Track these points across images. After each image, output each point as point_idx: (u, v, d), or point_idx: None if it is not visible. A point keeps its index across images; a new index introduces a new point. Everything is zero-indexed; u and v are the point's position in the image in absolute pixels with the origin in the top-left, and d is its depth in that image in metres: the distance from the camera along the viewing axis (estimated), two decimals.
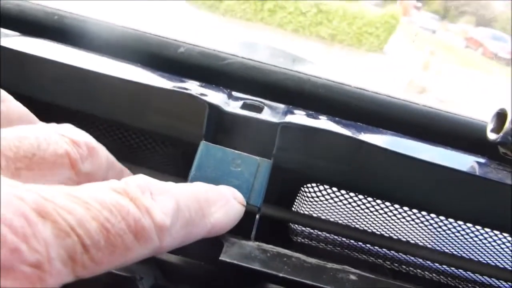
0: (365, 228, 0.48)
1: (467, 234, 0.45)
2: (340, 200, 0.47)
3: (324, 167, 0.41)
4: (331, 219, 0.49)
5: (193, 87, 0.35)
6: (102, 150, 0.24)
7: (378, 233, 0.47)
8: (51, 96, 0.39)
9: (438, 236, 0.47)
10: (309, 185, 0.46)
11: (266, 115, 0.34)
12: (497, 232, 0.43)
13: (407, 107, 0.40)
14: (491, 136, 0.37)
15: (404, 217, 0.46)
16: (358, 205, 0.47)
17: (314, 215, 0.50)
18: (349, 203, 0.47)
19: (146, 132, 0.42)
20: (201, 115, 0.34)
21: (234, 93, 0.37)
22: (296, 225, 0.50)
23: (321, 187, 0.46)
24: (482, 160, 0.37)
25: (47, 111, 0.41)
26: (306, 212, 0.50)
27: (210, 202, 0.24)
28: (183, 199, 0.22)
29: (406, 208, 0.44)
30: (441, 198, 0.40)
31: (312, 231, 0.51)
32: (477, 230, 0.44)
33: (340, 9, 6.37)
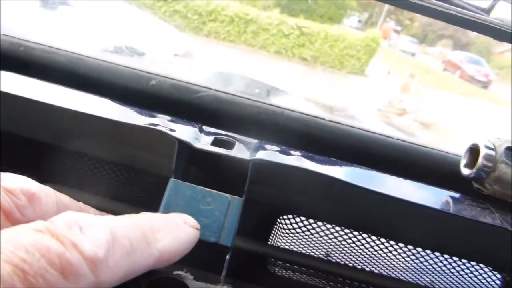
0: (345, 261, 0.47)
1: (444, 266, 0.45)
2: (317, 232, 0.46)
3: (298, 200, 0.41)
4: (309, 252, 0.48)
5: (163, 122, 0.35)
6: (47, 195, 0.23)
7: (359, 266, 0.47)
8: (25, 131, 0.38)
9: (415, 268, 0.47)
10: (285, 216, 0.46)
11: (237, 152, 0.33)
12: (473, 263, 0.43)
13: (382, 141, 0.40)
14: (465, 171, 0.37)
15: (381, 249, 0.45)
16: (335, 237, 0.46)
17: (292, 247, 0.49)
18: (326, 235, 0.46)
19: (118, 165, 0.41)
20: (171, 151, 0.33)
21: (206, 128, 0.36)
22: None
23: (297, 219, 0.46)
24: (456, 196, 0.37)
25: (18, 145, 0.39)
26: (283, 244, 0.49)
27: (154, 229, 0.23)
28: (121, 229, 0.21)
29: (383, 240, 0.44)
30: (417, 232, 0.39)
31: (289, 264, 0.50)
32: (454, 262, 0.44)
33: (322, 32, 6.49)
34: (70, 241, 0.18)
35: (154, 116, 0.35)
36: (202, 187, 0.32)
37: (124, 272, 0.21)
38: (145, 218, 0.24)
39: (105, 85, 0.39)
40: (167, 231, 0.24)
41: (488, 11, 0.34)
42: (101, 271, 0.19)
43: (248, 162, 0.32)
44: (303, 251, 0.48)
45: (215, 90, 0.40)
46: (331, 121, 0.40)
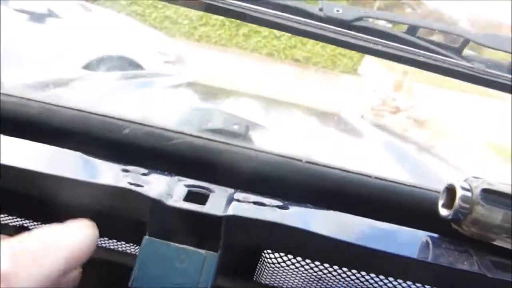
0: None
1: None
2: (302, 266, 0.46)
3: (279, 242, 0.40)
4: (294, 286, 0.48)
5: (136, 177, 0.34)
6: None
7: None
8: None
9: None
10: (269, 250, 0.45)
11: (210, 207, 0.33)
12: None
13: (359, 181, 0.40)
14: (443, 212, 0.37)
15: (362, 282, 0.45)
16: (321, 270, 0.46)
17: (276, 282, 0.48)
18: (311, 267, 0.46)
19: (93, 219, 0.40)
20: (144, 210, 0.32)
21: (180, 179, 0.36)
22: None
23: (281, 253, 0.45)
24: (434, 238, 0.37)
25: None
26: (268, 280, 0.48)
27: (53, 237, 0.26)
28: (18, 244, 0.24)
29: (363, 273, 0.44)
30: (397, 271, 0.39)
31: None
32: None
33: None
34: None
35: (126, 171, 0.35)
36: (177, 244, 0.32)
37: (40, 279, 0.23)
38: (40, 231, 0.26)
39: (78, 135, 0.39)
40: (66, 236, 0.27)
41: (459, 52, 0.34)
42: (16, 283, 0.21)
43: (221, 219, 0.32)
44: (290, 286, 0.48)
45: (190, 135, 0.40)
46: (308, 162, 0.40)
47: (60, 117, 0.39)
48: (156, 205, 0.32)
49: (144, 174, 0.35)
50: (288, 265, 0.46)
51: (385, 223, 0.37)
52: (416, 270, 0.34)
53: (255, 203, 0.34)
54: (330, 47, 6.43)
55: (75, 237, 0.27)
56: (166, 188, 0.34)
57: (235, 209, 0.33)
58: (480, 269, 0.33)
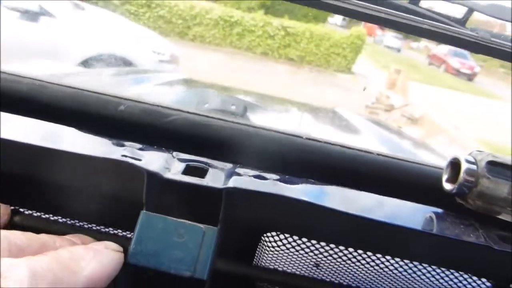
0: (330, 277, 0.46)
1: (433, 276, 0.44)
2: (302, 249, 0.45)
3: (280, 220, 0.39)
4: (296, 267, 0.47)
5: (132, 151, 0.33)
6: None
7: (349, 283, 0.46)
8: None
9: (406, 281, 0.46)
10: (269, 234, 0.44)
11: (210, 180, 0.32)
12: (461, 273, 0.42)
13: (361, 157, 0.39)
14: (447, 186, 0.36)
15: (368, 263, 0.44)
16: (321, 253, 0.45)
17: (278, 265, 0.47)
18: (312, 250, 0.45)
19: (91, 196, 0.39)
20: (140, 183, 0.31)
21: (177, 154, 0.35)
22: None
23: (281, 236, 0.44)
24: (439, 212, 0.36)
25: None
26: (269, 263, 0.47)
27: (76, 259, 0.25)
28: (40, 264, 0.22)
29: (369, 253, 0.43)
30: (401, 248, 0.38)
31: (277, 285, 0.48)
32: (443, 272, 0.43)
33: (307, 31, 6.51)
34: None
35: (122, 145, 0.34)
36: (175, 219, 0.31)
37: None
38: (64, 252, 0.25)
39: (71, 112, 0.37)
40: (89, 258, 0.25)
41: (463, 22, 0.33)
42: None
43: (221, 191, 0.31)
44: (290, 269, 0.47)
45: (187, 112, 0.39)
46: (309, 139, 0.39)
47: (51, 94, 0.38)
48: (153, 178, 0.31)
49: (140, 149, 0.34)
50: (288, 248, 0.45)
51: (389, 197, 0.36)
52: (421, 243, 0.33)
53: (255, 176, 0.33)
54: (324, 45, 6.45)
55: (99, 261, 0.26)
56: (164, 163, 0.33)
57: (235, 182, 0.31)
58: (486, 242, 0.32)
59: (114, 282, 0.28)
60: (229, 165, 0.35)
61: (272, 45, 6.38)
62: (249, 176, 0.33)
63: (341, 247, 0.43)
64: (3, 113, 0.35)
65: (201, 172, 0.33)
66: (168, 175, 0.32)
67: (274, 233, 0.44)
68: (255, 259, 0.46)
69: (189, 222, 0.31)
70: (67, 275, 0.23)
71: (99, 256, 0.26)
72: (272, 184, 0.33)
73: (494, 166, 0.35)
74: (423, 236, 0.33)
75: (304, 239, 0.44)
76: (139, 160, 0.32)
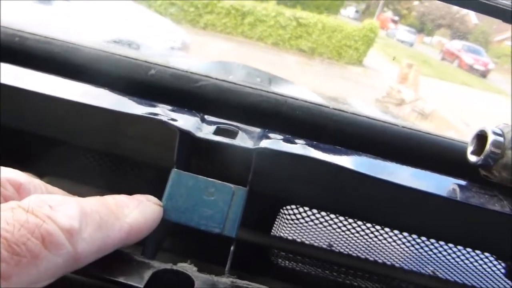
0: (348, 250, 0.47)
1: (449, 254, 0.44)
2: (321, 222, 0.46)
3: (302, 190, 0.40)
4: (312, 242, 0.47)
5: (164, 112, 0.34)
6: (35, 187, 0.24)
7: (362, 256, 0.46)
8: (22, 123, 0.37)
9: (419, 257, 0.46)
10: (288, 207, 0.45)
11: (241, 141, 0.32)
12: (478, 252, 0.43)
13: (387, 128, 0.39)
14: (472, 158, 0.36)
15: (385, 239, 0.45)
16: (339, 227, 0.45)
17: (295, 237, 0.48)
18: (330, 225, 0.46)
19: (118, 157, 0.40)
20: (172, 141, 0.32)
21: (207, 117, 0.35)
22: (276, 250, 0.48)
23: (300, 209, 0.45)
24: (463, 183, 0.36)
25: (19, 139, 0.39)
26: (286, 235, 0.48)
27: (120, 206, 0.25)
28: (89, 205, 0.23)
29: (387, 229, 0.43)
30: (422, 221, 0.39)
31: (292, 255, 0.49)
32: (459, 251, 0.43)
33: (319, 23, 6.46)
34: (44, 215, 0.20)
35: (154, 106, 0.35)
36: (205, 177, 0.31)
37: (99, 245, 0.22)
38: (110, 198, 0.25)
39: (103, 75, 0.38)
40: (133, 207, 0.26)
41: None
42: (78, 242, 0.20)
43: (252, 151, 0.32)
44: (306, 242, 0.47)
45: (216, 79, 0.39)
46: (335, 109, 0.39)
47: (84, 56, 0.39)
48: (185, 136, 0.32)
49: (171, 111, 0.35)
50: (306, 221, 0.46)
51: (414, 168, 0.36)
52: (446, 210, 0.33)
53: (285, 140, 0.34)
54: (336, 37, 6.40)
55: (142, 211, 0.26)
56: (195, 123, 0.33)
57: (266, 143, 0.32)
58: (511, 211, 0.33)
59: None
60: (258, 129, 0.35)
61: (284, 36, 6.34)
62: (279, 139, 0.34)
63: (359, 222, 0.43)
64: (35, 71, 0.36)
65: (231, 134, 0.34)
66: (200, 134, 0.32)
67: (293, 206, 0.45)
68: (273, 231, 0.47)
69: (219, 181, 0.31)
70: (112, 219, 0.24)
71: (142, 206, 0.27)
72: (302, 147, 0.33)
73: None
74: (446, 204, 0.33)
75: (323, 213, 0.44)
76: (173, 120, 0.32)
